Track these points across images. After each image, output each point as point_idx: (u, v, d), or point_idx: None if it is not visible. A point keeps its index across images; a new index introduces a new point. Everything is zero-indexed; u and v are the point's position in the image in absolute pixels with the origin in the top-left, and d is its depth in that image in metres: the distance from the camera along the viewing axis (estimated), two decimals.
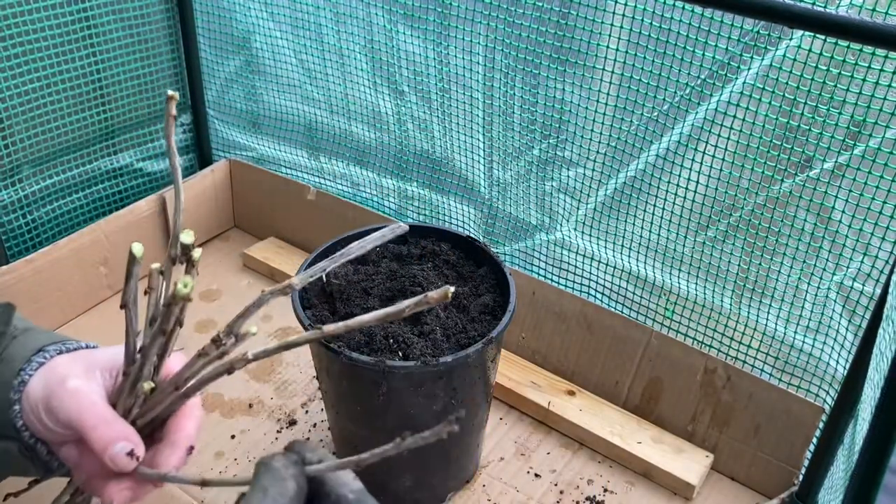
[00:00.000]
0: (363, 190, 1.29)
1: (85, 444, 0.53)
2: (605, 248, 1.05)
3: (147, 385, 0.54)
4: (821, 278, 0.87)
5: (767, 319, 0.94)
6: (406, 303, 0.48)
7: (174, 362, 0.57)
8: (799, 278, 0.89)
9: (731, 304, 0.96)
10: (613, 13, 0.88)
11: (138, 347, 0.55)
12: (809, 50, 0.77)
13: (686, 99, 0.89)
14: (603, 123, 0.96)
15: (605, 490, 0.95)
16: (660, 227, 0.98)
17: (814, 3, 0.71)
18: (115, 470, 0.52)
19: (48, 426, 0.53)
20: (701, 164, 0.90)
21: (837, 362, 0.88)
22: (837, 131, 0.79)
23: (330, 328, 0.49)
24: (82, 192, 1.27)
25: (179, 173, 0.56)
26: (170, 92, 0.52)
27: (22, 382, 0.53)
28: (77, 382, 0.53)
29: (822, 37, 0.76)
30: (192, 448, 0.56)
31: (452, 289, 0.46)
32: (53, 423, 0.52)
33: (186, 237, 0.52)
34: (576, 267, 1.08)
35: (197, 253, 0.52)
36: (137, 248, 0.51)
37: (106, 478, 0.53)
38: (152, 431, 0.57)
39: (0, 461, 0.55)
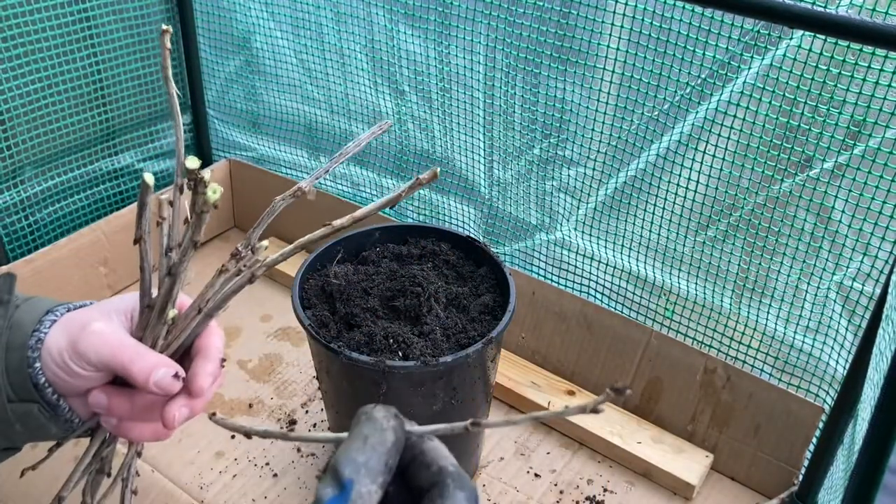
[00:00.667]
0: (363, 190, 1.29)
1: (111, 388, 0.54)
2: (605, 247, 1.05)
3: (172, 312, 0.55)
4: (821, 278, 0.87)
5: (767, 319, 0.94)
6: (402, 187, 0.51)
7: (182, 301, 0.58)
8: (799, 278, 0.89)
9: (731, 304, 0.96)
10: (614, 13, 0.88)
11: (152, 281, 0.56)
12: (809, 50, 0.77)
13: (686, 98, 0.89)
14: (603, 123, 0.96)
15: (605, 490, 0.95)
16: (660, 226, 0.98)
17: (814, 3, 0.71)
18: (162, 394, 0.53)
19: (77, 373, 0.53)
20: (701, 163, 0.90)
21: (837, 362, 0.88)
22: (837, 131, 0.79)
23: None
24: (83, 193, 1.27)
25: (177, 102, 0.57)
26: (164, 26, 0.54)
27: (38, 341, 0.54)
28: (100, 325, 0.54)
29: (822, 37, 0.76)
30: (223, 360, 0.58)
31: (438, 168, 0.49)
32: (84, 367, 0.53)
33: (191, 163, 0.51)
34: (576, 267, 1.08)
35: (207, 174, 0.51)
36: (150, 178, 0.52)
37: (135, 419, 0.55)
38: (180, 359, 0.58)
39: (22, 425, 0.55)
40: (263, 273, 0.54)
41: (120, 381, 0.57)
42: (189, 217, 0.54)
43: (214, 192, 0.50)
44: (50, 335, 0.54)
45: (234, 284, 0.55)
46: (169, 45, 0.54)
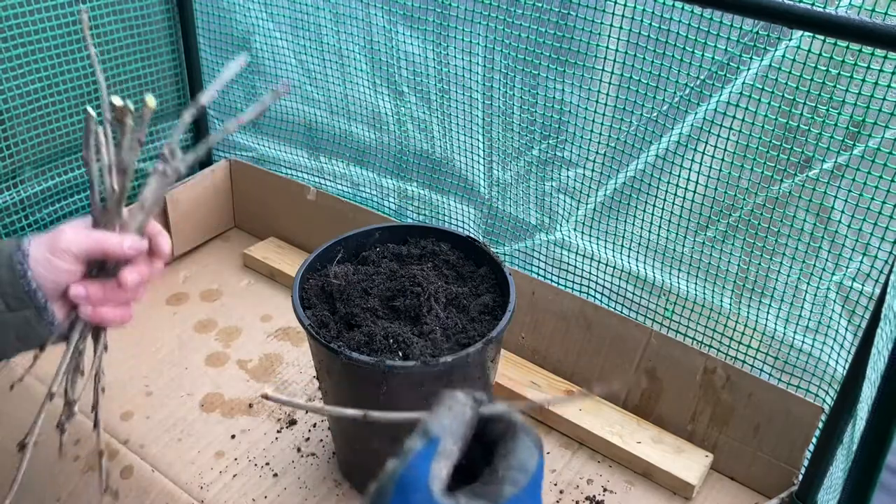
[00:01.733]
0: (363, 190, 1.29)
1: (85, 280, 0.66)
2: (605, 248, 1.05)
3: (125, 210, 0.68)
4: (820, 278, 0.87)
5: (767, 319, 0.94)
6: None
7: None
8: (798, 278, 0.89)
9: (730, 304, 0.96)
10: (613, 14, 0.88)
11: (100, 194, 0.68)
12: (809, 50, 0.77)
13: (685, 99, 0.89)
14: (602, 124, 0.96)
15: (605, 490, 0.95)
16: (659, 227, 0.98)
17: (813, 4, 0.72)
18: (134, 254, 0.66)
19: (61, 268, 0.64)
20: (700, 164, 0.90)
21: (837, 362, 0.88)
22: (837, 131, 0.79)
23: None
24: (83, 194, 1.27)
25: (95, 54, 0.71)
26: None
27: (25, 255, 0.64)
28: (69, 227, 0.66)
29: (822, 37, 0.76)
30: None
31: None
32: (66, 260, 0.64)
33: (117, 100, 0.64)
34: (575, 267, 1.08)
35: (151, 101, 0.65)
36: (92, 111, 0.64)
37: (106, 303, 0.67)
38: None
39: (17, 333, 0.66)
40: (186, 169, 0.69)
41: (93, 276, 0.68)
42: (131, 123, 0.66)
43: (151, 100, 0.64)
44: (32, 248, 0.65)
45: (166, 181, 0.68)
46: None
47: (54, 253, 0.64)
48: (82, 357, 0.72)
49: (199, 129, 1.39)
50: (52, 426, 0.74)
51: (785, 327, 0.93)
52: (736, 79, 0.84)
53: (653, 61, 0.88)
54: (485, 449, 0.48)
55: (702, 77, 0.86)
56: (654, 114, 0.92)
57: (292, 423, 1.03)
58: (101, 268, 0.68)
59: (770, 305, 0.93)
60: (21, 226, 1.18)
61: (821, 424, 0.89)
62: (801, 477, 0.91)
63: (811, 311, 0.90)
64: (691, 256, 0.97)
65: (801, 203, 0.85)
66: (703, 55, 0.85)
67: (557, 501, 0.93)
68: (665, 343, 0.99)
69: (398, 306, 0.84)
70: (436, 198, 1.21)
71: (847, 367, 0.83)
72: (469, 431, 0.47)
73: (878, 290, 0.81)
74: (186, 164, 0.69)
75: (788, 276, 0.90)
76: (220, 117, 1.40)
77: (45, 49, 1.12)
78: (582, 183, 1.03)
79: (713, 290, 0.97)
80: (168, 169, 0.69)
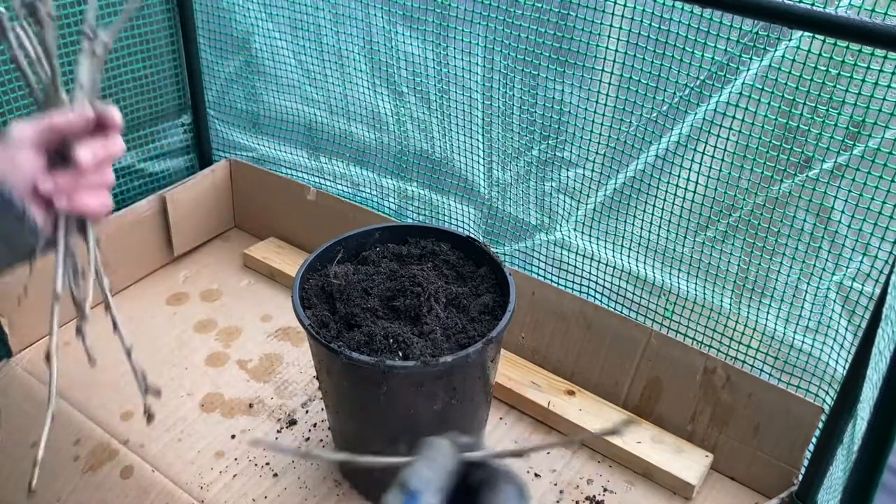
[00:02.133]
0: (363, 190, 1.29)
1: (52, 173, 0.66)
2: (605, 248, 1.05)
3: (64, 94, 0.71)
4: (820, 278, 0.87)
5: (767, 319, 0.94)
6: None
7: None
8: (798, 278, 0.89)
9: (730, 304, 0.96)
10: (613, 14, 0.88)
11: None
12: (809, 50, 0.77)
13: (685, 100, 0.89)
14: (602, 124, 0.96)
15: (605, 490, 0.95)
16: (659, 227, 0.98)
17: (813, 4, 0.72)
18: (83, 122, 0.67)
19: (22, 158, 0.65)
20: (700, 164, 0.90)
21: (837, 362, 0.88)
22: (837, 131, 0.79)
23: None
24: None
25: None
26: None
27: None
28: (18, 122, 0.66)
29: (822, 37, 0.76)
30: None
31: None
32: (25, 149, 0.64)
33: None
34: (575, 267, 1.08)
35: None
36: (1, 8, 0.65)
37: (80, 189, 0.67)
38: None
39: (3, 241, 0.66)
40: (112, 40, 0.72)
41: (56, 165, 0.68)
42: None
43: None
44: None
45: (97, 60, 0.72)
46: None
47: (11, 147, 0.64)
48: (76, 258, 0.71)
49: (199, 129, 1.39)
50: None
51: (785, 327, 0.93)
52: (736, 79, 0.84)
53: (653, 61, 0.88)
54: (469, 495, 0.46)
55: (702, 77, 0.86)
56: (654, 114, 0.92)
57: (292, 423, 1.03)
58: (62, 158, 0.68)
59: (770, 305, 0.93)
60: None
61: (821, 424, 0.89)
62: (801, 477, 0.91)
63: (811, 311, 0.90)
64: (691, 256, 0.97)
65: (801, 203, 0.85)
66: (702, 55, 0.85)
67: (557, 501, 0.93)
68: (665, 343, 0.99)
69: (398, 306, 0.84)
70: (436, 198, 1.21)
71: (847, 367, 0.83)
72: (451, 480, 0.46)
73: (878, 290, 0.81)
74: (111, 36, 0.72)
75: (788, 276, 0.90)
76: (220, 117, 1.40)
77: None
78: (582, 183, 1.03)
79: (713, 290, 0.97)
80: (95, 46, 0.71)
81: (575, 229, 1.07)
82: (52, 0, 0.69)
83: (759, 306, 0.94)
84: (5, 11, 0.67)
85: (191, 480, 0.94)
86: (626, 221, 1.01)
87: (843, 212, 0.82)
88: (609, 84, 0.93)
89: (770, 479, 0.94)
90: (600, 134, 0.97)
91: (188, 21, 1.29)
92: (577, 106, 0.97)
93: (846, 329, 0.86)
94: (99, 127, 0.70)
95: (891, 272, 0.75)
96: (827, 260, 0.86)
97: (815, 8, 0.68)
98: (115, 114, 0.70)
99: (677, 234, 0.97)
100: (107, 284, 0.74)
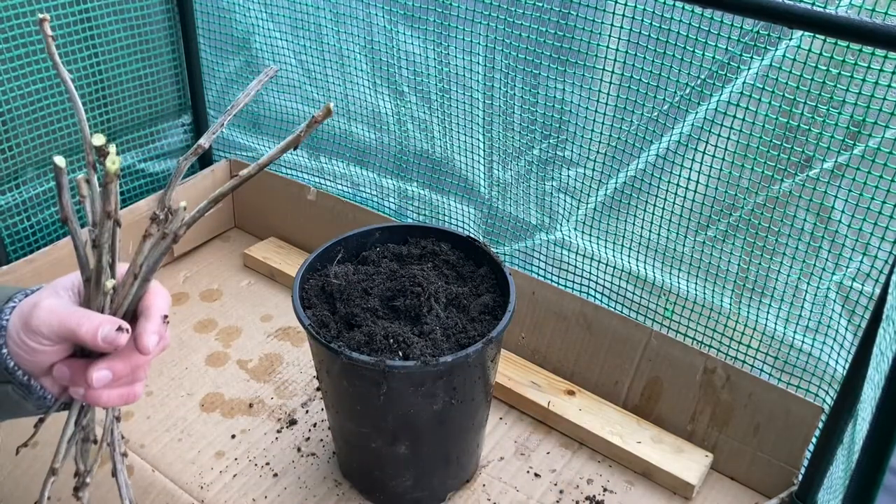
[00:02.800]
0: (363, 190, 1.29)
1: (72, 360, 0.59)
2: (605, 247, 1.05)
3: (110, 283, 0.59)
4: (820, 278, 0.87)
5: (767, 319, 0.94)
6: (300, 128, 0.58)
7: (121, 269, 0.62)
8: (799, 278, 0.89)
9: (730, 304, 0.96)
10: (613, 13, 0.88)
11: (89, 256, 0.60)
12: (809, 50, 0.77)
13: (686, 99, 0.89)
14: (603, 123, 0.96)
15: (605, 490, 0.95)
16: (660, 226, 0.98)
17: (813, 4, 0.72)
18: (109, 349, 0.58)
19: (35, 348, 0.57)
20: (701, 163, 0.90)
21: (837, 362, 0.88)
22: (837, 131, 0.79)
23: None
24: None
25: (71, 85, 0.64)
26: (41, 14, 0.59)
27: (2, 328, 0.58)
28: (49, 301, 0.58)
29: (822, 37, 0.76)
30: (166, 317, 0.63)
31: (331, 104, 0.56)
32: (39, 342, 0.57)
33: (97, 140, 0.55)
34: (575, 267, 1.08)
35: (112, 147, 0.55)
36: (60, 161, 0.55)
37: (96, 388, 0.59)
38: (130, 323, 0.62)
39: (7, 405, 0.60)
40: (185, 232, 0.60)
41: (80, 354, 0.61)
42: (97, 192, 0.58)
43: (114, 162, 0.54)
44: (11, 321, 0.58)
45: (162, 247, 0.60)
46: (49, 31, 0.60)
47: (27, 332, 0.57)
48: (91, 426, 0.65)
49: (199, 129, 1.39)
50: (51, 423, 0.72)
51: (785, 327, 0.93)
52: (736, 78, 0.84)
53: (653, 61, 0.88)
54: None
55: (702, 77, 0.86)
56: (655, 113, 0.92)
57: (292, 423, 1.03)
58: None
59: (770, 305, 0.93)
60: (23, 227, 1.18)
61: (821, 424, 0.89)
62: (800, 477, 0.91)
63: (811, 311, 0.90)
64: (691, 256, 0.97)
65: (802, 203, 0.85)
66: (703, 55, 0.85)
67: (557, 501, 0.93)
68: (665, 343, 0.99)
69: (398, 306, 0.84)
70: (436, 198, 1.21)
71: (847, 367, 0.83)
72: None
73: (878, 290, 0.81)
74: (187, 225, 0.60)
75: (788, 275, 0.90)
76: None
77: (45, 49, 1.12)
78: (582, 182, 1.03)
79: (713, 290, 0.97)
80: (165, 231, 0.60)
81: (575, 229, 1.07)
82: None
83: (759, 306, 0.94)
84: (63, 165, 0.55)
85: (191, 480, 0.94)
86: (626, 221, 1.01)
87: (843, 211, 0.82)
88: (610, 83, 0.93)
89: (770, 479, 0.94)
90: (601, 133, 0.97)
91: (188, 21, 1.29)
92: (578, 105, 0.97)
93: (846, 329, 0.86)
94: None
95: (891, 272, 0.75)
96: (827, 260, 0.86)
97: (815, 8, 0.68)
98: (148, 338, 0.60)
99: (678, 233, 0.97)
100: (122, 452, 0.67)
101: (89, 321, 0.57)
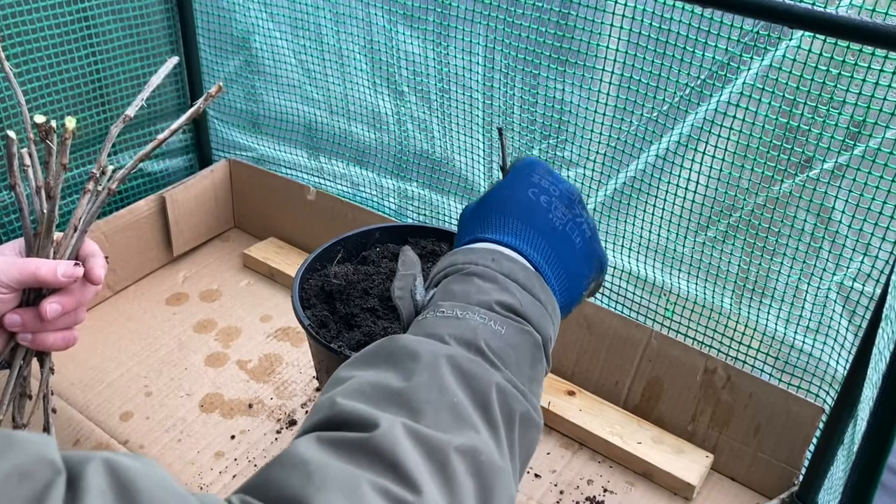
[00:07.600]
0: (363, 190, 1.29)
1: (20, 308, 0.67)
2: (605, 248, 1.05)
3: (56, 234, 0.68)
4: (821, 278, 0.87)
5: (767, 319, 0.94)
6: (198, 101, 0.75)
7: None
8: (799, 278, 0.89)
9: (731, 304, 0.96)
10: (613, 13, 0.88)
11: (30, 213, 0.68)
12: (809, 50, 0.77)
13: (686, 99, 0.89)
14: (603, 124, 0.96)
15: (605, 490, 0.95)
16: (660, 227, 0.98)
17: (814, 4, 0.71)
18: (68, 282, 0.67)
19: (2, 298, 0.65)
20: (701, 164, 0.90)
21: (837, 362, 0.88)
22: (837, 131, 0.79)
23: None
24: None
25: (11, 74, 0.72)
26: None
27: None
28: (2, 255, 0.67)
29: (822, 37, 0.76)
30: (107, 258, 0.73)
31: (221, 84, 0.70)
32: (11, 285, 0.64)
33: (38, 118, 0.65)
34: None
35: (71, 123, 0.65)
36: (13, 133, 0.65)
37: (45, 329, 0.67)
38: None
39: None
40: (116, 187, 0.71)
41: (26, 304, 0.68)
42: (55, 147, 0.66)
43: (71, 121, 0.64)
44: None
45: (99, 200, 0.70)
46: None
47: None
48: (28, 381, 0.71)
49: (199, 129, 1.39)
50: (48, 420, 0.75)
51: (785, 327, 0.93)
52: (736, 79, 0.84)
53: (653, 61, 0.88)
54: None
55: (702, 77, 0.86)
56: (655, 114, 0.92)
57: (292, 423, 1.03)
58: (38, 294, 0.67)
59: (770, 305, 0.93)
60: (19, 225, 1.18)
61: (821, 425, 0.89)
62: (801, 477, 0.91)
63: (812, 312, 0.90)
64: (691, 256, 0.97)
65: (802, 203, 0.85)
66: (703, 55, 0.85)
67: (557, 502, 0.93)
68: (665, 343, 0.99)
69: None
70: (436, 198, 1.21)
71: (848, 367, 0.83)
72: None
73: (878, 291, 0.81)
74: (118, 181, 0.70)
75: (789, 276, 0.90)
76: (220, 117, 1.40)
77: (43, 48, 1.12)
78: (582, 183, 1.03)
79: (713, 291, 0.97)
80: (99, 188, 0.69)
81: None
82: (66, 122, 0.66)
83: (759, 306, 0.94)
84: (14, 137, 0.65)
85: (191, 481, 0.94)
86: (626, 221, 1.01)
87: (843, 212, 0.82)
88: (609, 83, 0.93)
89: (770, 480, 0.94)
90: (601, 133, 0.97)
91: (188, 21, 1.29)
92: (578, 105, 0.97)
93: (847, 329, 0.86)
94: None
95: (891, 272, 0.75)
96: (827, 260, 0.86)
97: (815, 8, 0.67)
98: (99, 270, 0.69)
99: (677, 234, 0.97)
100: (51, 407, 0.74)
101: (46, 264, 0.66)
